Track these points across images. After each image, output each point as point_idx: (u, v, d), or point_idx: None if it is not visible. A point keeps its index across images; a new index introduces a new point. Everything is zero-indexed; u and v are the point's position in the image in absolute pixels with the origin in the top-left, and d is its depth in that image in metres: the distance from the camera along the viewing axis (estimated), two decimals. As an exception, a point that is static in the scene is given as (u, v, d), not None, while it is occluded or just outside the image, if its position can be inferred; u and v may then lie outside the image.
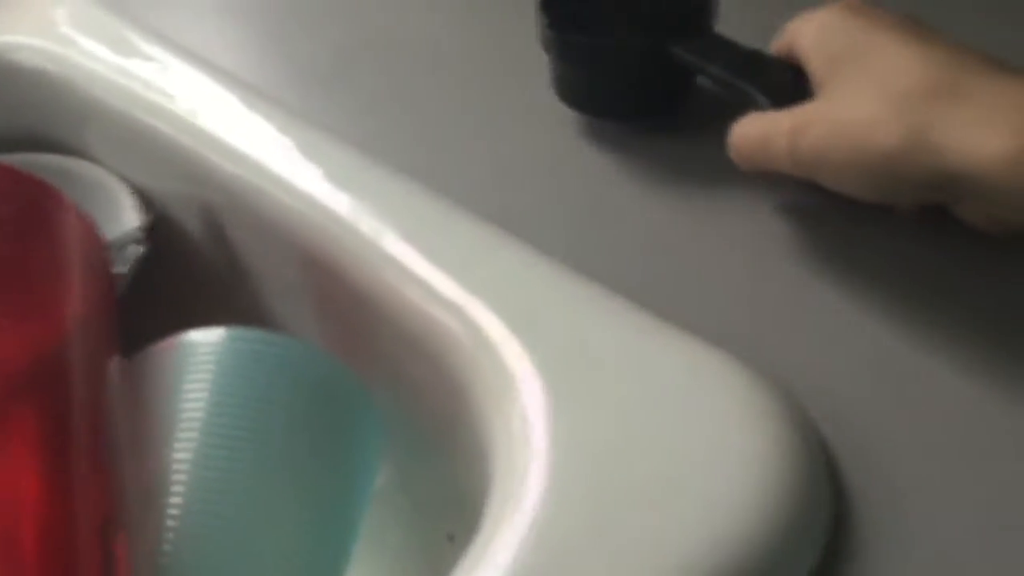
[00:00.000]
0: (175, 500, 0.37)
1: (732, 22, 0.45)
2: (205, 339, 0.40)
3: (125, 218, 0.49)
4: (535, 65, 0.49)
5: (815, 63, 0.40)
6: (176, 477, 0.37)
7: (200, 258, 0.52)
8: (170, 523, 0.36)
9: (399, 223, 0.42)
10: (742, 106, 0.42)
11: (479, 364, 0.38)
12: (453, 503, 0.45)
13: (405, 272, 0.40)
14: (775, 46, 0.43)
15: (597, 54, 0.45)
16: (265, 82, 0.53)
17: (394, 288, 0.41)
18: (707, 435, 0.33)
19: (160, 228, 0.50)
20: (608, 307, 0.38)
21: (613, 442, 0.34)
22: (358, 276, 0.42)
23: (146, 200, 0.51)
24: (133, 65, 0.52)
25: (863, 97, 0.37)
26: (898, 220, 0.42)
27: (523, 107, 0.50)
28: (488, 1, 0.57)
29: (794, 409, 0.35)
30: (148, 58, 0.53)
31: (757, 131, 0.41)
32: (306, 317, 0.48)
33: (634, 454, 0.33)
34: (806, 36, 0.40)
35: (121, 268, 0.47)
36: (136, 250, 0.48)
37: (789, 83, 0.41)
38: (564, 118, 0.49)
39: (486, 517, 0.33)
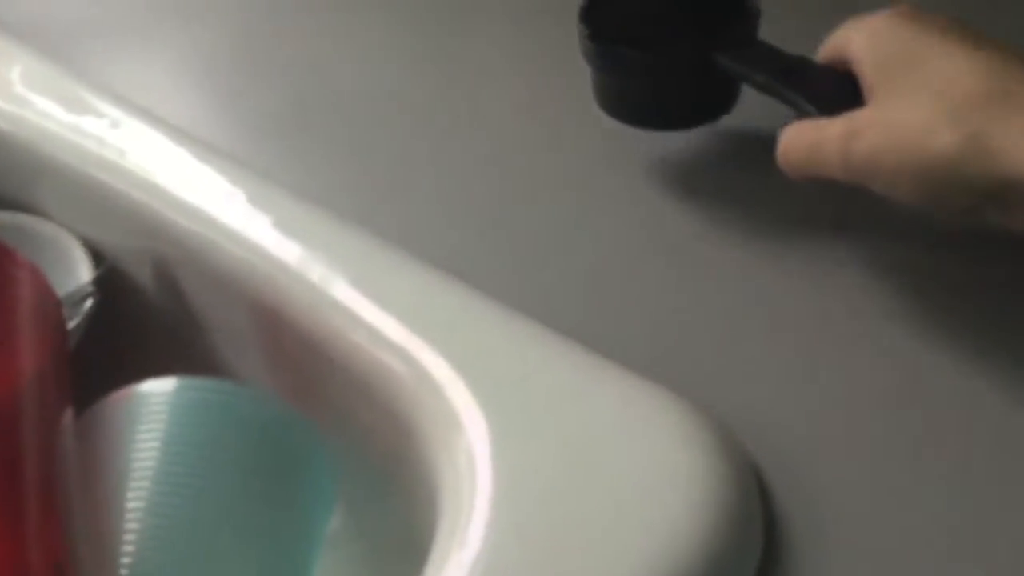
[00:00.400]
0: (128, 548, 0.37)
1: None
2: (156, 389, 0.41)
3: (77, 272, 0.50)
4: (490, 114, 0.51)
5: (867, 69, 0.39)
6: (129, 526, 0.38)
7: (153, 310, 0.52)
8: (123, 571, 0.37)
9: (347, 271, 0.43)
10: (787, 115, 0.42)
11: (426, 405, 0.39)
12: (407, 545, 0.45)
13: (353, 318, 0.41)
14: (822, 53, 0.43)
15: (641, 64, 0.45)
16: (220, 136, 0.54)
17: (342, 334, 0.42)
18: (644, 466, 0.35)
19: (112, 281, 0.51)
20: (550, 346, 0.40)
21: (555, 475, 0.35)
22: (307, 323, 0.43)
23: (98, 254, 0.51)
24: (86, 123, 0.53)
25: (919, 103, 0.37)
26: (829, 246, 0.44)
27: (477, 158, 0.51)
28: (441, 52, 0.58)
29: (727, 438, 0.36)
30: (101, 115, 0.54)
31: (807, 138, 0.40)
32: (258, 365, 0.49)
33: (575, 486, 0.34)
34: (857, 42, 0.40)
35: (74, 322, 0.47)
36: (88, 304, 0.48)
37: (837, 90, 0.41)
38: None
39: (433, 553, 0.34)
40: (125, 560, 0.37)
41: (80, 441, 0.41)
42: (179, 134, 0.52)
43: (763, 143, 0.42)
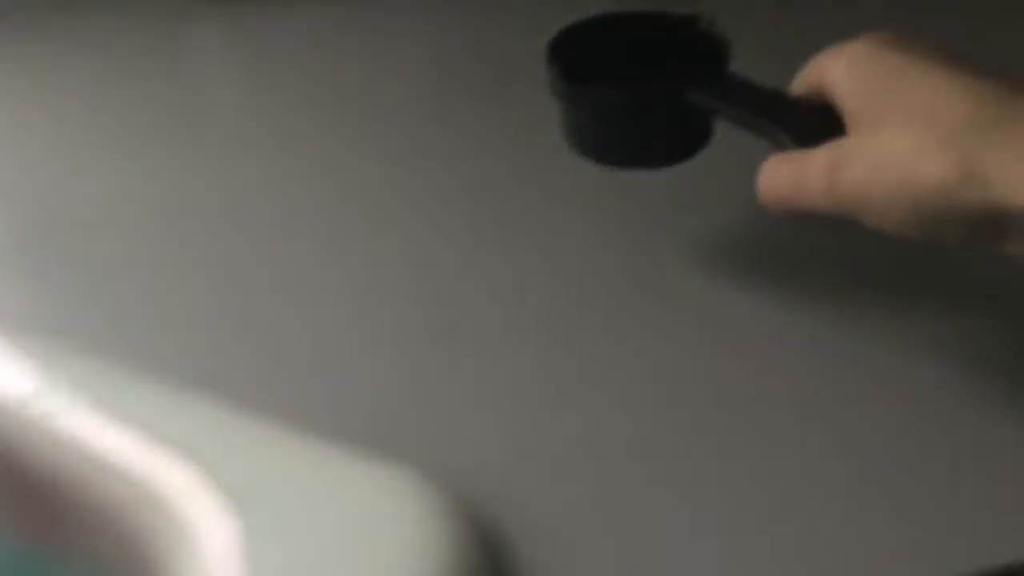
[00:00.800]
0: None
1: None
2: None
3: None
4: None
5: (848, 97, 0.38)
6: None
7: None
8: None
9: (77, 397, 0.39)
10: (766, 150, 0.41)
11: (165, 525, 0.35)
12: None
13: (84, 445, 0.38)
14: (797, 83, 0.42)
15: (613, 102, 0.44)
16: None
17: (75, 463, 0.38)
18: (382, 550, 0.34)
19: None
20: (289, 444, 0.37)
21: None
22: (39, 456, 0.39)
23: None
24: None
25: (907, 130, 0.35)
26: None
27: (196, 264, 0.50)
28: (154, 169, 0.56)
29: (462, 510, 0.35)
30: None
31: (787, 171, 0.39)
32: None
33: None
34: (835, 70, 0.39)
35: None
36: None
37: (816, 121, 0.39)
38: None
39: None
40: None
41: None
42: None
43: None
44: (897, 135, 0.36)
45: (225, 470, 0.36)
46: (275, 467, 0.36)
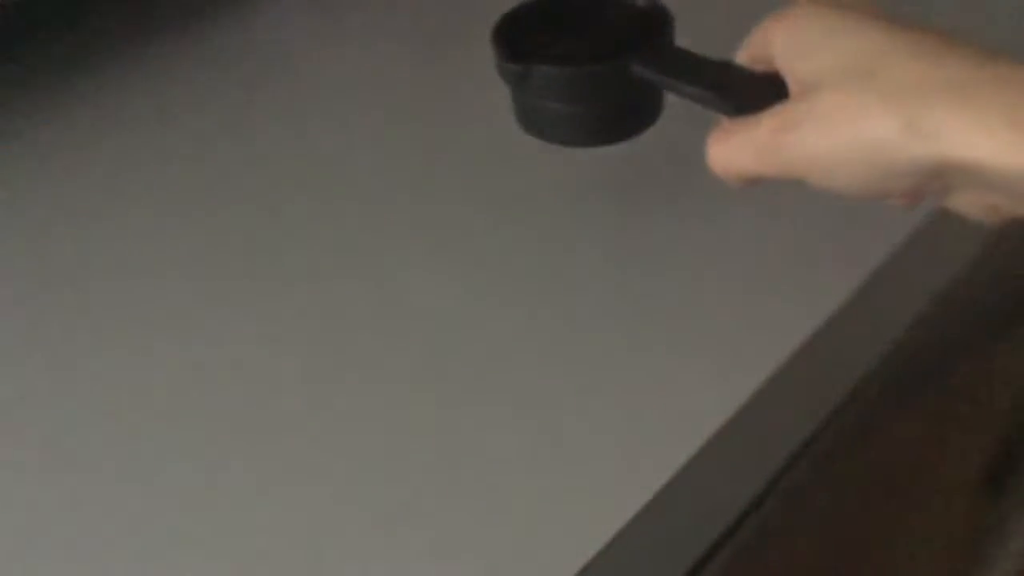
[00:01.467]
0: None
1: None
2: None
3: None
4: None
5: (791, 61, 0.39)
6: None
7: None
8: None
9: None
10: (715, 120, 0.41)
11: None
12: None
13: None
14: (742, 53, 0.42)
15: (560, 82, 0.44)
16: None
17: None
18: None
19: None
20: None
21: None
22: None
23: None
24: None
25: (849, 88, 0.36)
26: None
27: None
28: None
29: None
30: None
31: (736, 139, 0.39)
32: None
33: None
34: (778, 36, 0.39)
35: None
36: None
37: (762, 89, 0.40)
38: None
39: None
40: None
41: None
42: None
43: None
44: (840, 94, 0.36)
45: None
46: None
